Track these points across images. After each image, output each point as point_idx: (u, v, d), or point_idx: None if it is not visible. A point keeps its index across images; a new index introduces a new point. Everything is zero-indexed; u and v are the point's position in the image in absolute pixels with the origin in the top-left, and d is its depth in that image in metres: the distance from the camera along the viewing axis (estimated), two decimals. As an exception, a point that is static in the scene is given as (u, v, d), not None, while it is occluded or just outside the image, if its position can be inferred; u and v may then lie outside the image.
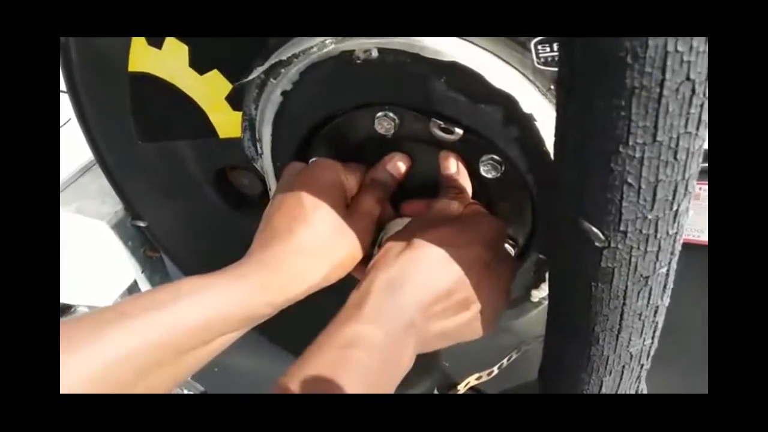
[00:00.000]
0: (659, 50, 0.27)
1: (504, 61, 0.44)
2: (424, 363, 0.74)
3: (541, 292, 0.57)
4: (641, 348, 0.43)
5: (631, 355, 0.43)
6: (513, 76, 0.44)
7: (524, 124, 0.45)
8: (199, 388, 0.99)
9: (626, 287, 0.38)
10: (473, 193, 0.53)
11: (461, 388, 0.60)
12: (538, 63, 0.44)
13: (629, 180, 0.32)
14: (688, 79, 0.28)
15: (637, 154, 0.31)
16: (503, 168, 0.50)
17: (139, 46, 0.57)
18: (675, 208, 0.34)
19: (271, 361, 0.87)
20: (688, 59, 0.28)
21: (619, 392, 0.46)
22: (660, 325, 0.42)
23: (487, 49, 0.44)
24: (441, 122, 0.48)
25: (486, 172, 0.50)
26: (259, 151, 0.58)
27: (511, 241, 0.56)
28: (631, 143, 0.31)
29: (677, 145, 0.31)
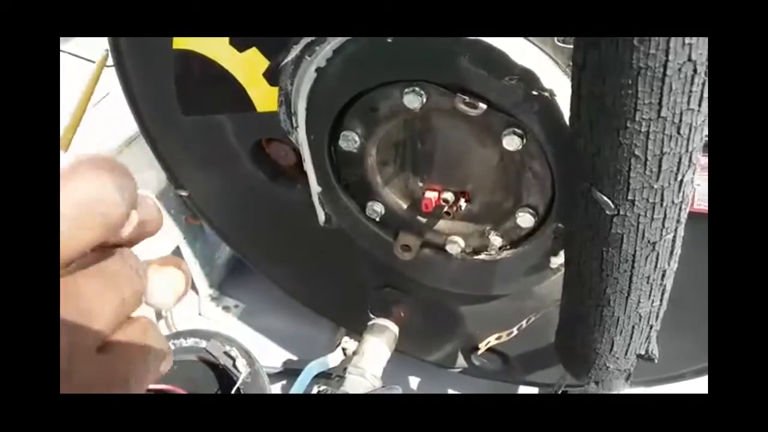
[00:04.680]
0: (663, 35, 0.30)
1: (526, 38, 0.47)
2: (450, 326, 0.79)
3: (559, 259, 0.60)
4: (650, 309, 0.46)
5: (641, 316, 0.46)
6: (534, 52, 0.47)
7: (544, 98, 0.48)
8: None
9: (635, 252, 0.41)
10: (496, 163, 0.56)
11: (482, 347, 0.64)
12: (558, 40, 0.46)
13: (636, 152, 0.35)
14: (689, 60, 0.31)
15: (644, 129, 0.34)
16: (525, 140, 0.53)
17: (182, 25, 0.60)
18: (680, 178, 0.37)
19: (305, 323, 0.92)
20: (689, 42, 0.30)
21: (629, 351, 0.49)
22: (668, 289, 0.45)
23: (509, 28, 0.47)
24: (465, 97, 0.51)
25: (508, 144, 0.53)
26: (295, 125, 0.62)
27: (531, 210, 0.59)
28: (637, 119, 0.34)
29: (680, 120, 0.33)
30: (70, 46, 1.30)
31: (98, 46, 1.24)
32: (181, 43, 0.62)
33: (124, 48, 0.68)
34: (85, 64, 1.26)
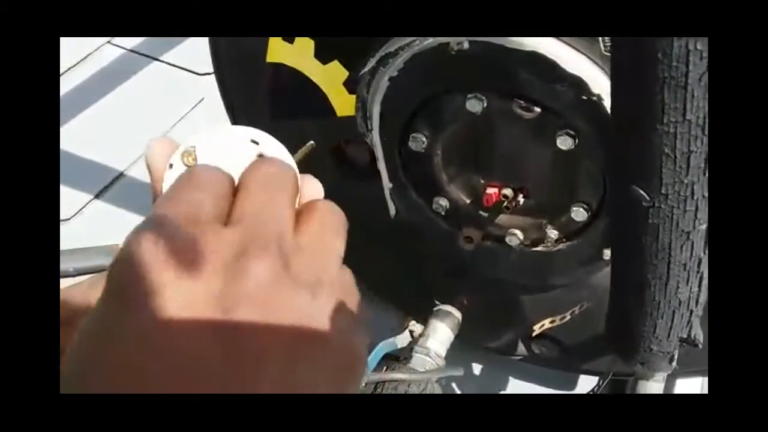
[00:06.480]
0: (683, 49, 0.35)
1: (575, 49, 0.52)
2: (510, 314, 0.84)
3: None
4: (689, 295, 0.50)
5: (680, 301, 0.50)
6: (583, 61, 0.52)
7: (593, 103, 0.53)
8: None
9: (670, 241, 0.46)
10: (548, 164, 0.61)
11: (536, 329, 0.69)
12: (605, 51, 0.51)
13: (666, 151, 0.40)
14: (708, 70, 0.36)
15: (671, 130, 0.39)
16: (577, 140, 0.58)
17: (275, 41, 0.70)
18: (708, 174, 0.41)
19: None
20: (707, 55, 0.35)
21: (671, 334, 0.54)
22: (706, 276, 0.49)
23: (561, 39, 0.52)
24: (522, 102, 0.57)
25: (562, 144, 0.58)
26: (370, 127, 0.69)
27: (585, 205, 0.64)
28: (665, 121, 0.39)
29: (705, 122, 0.38)
30: (171, 56, 1.45)
31: (199, 56, 1.38)
32: (273, 56, 0.71)
33: (223, 59, 0.78)
34: (185, 75, 1.41)
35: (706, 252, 0.47)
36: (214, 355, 0.19)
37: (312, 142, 0.30)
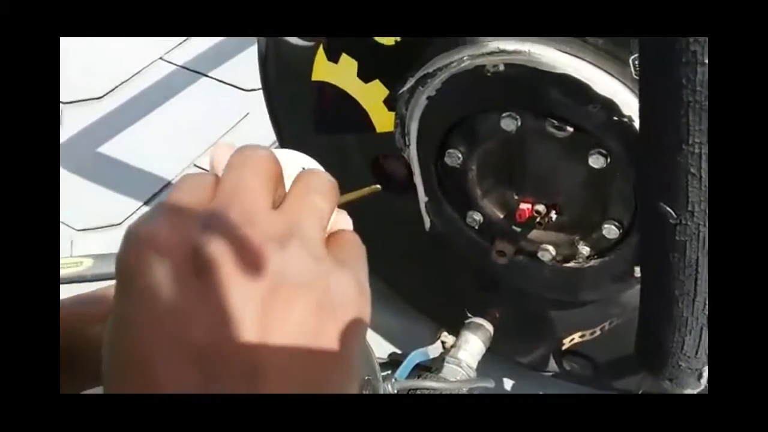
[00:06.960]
0: (705, 75, 0.37)
1: (607, 72, 0.54)
2: (541, 329, 0.85)
3: (642, 268, 0.65)
4: (717, 312, 0.51)
5: (708, 318, 0.51)
6: (615, 84, 0.54)
7: (624, 124, 0.55)
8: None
9: (697, 257, 0.47)
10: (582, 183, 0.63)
11: (566, 342, 0.70)
12: (636, 75, 0.53)
13: (692, 170, 0.42)
14: (731, 95, 0.38)
15: (696, 150, 0.41)
16: (609, 160, 0.60)
17: (320, 60, 0.74)
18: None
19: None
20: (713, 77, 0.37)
21: (699, 350, 0.54)
22: (734, 294, 0.50)
23: (593, 63, 0.55)
24: (555, 121, 0.59)
25: (594, 162, 0.60)
26: (407, 143, 0.73)
27: (616, 223, 0.65)
28: (690, 142, 0.41)
29: (729, 144, 0.40)
30: (219, 73, 1.51)
31: (245, 73, 1.44)
32: (318, 74, 0.76)
33: (271, 76, 0.82)
34: (232, 91, 1.47)
35: (733, 270, 0.48)
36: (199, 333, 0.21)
37: (378, 186, 0.32)
